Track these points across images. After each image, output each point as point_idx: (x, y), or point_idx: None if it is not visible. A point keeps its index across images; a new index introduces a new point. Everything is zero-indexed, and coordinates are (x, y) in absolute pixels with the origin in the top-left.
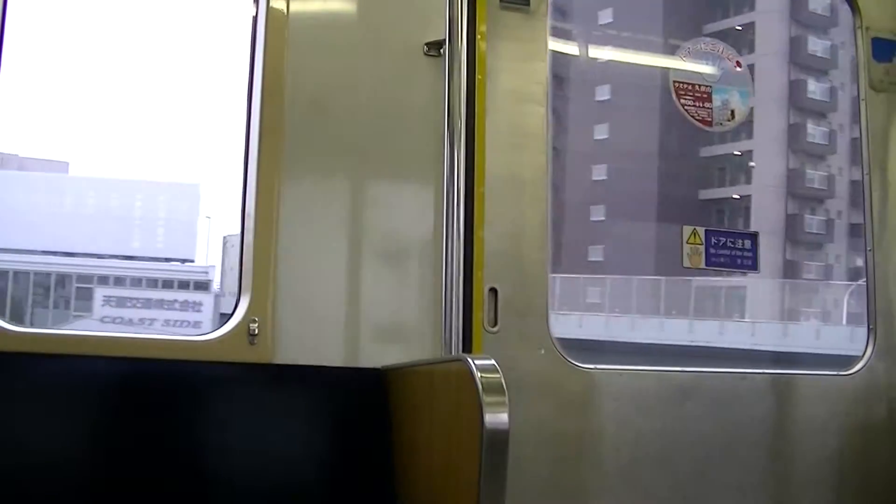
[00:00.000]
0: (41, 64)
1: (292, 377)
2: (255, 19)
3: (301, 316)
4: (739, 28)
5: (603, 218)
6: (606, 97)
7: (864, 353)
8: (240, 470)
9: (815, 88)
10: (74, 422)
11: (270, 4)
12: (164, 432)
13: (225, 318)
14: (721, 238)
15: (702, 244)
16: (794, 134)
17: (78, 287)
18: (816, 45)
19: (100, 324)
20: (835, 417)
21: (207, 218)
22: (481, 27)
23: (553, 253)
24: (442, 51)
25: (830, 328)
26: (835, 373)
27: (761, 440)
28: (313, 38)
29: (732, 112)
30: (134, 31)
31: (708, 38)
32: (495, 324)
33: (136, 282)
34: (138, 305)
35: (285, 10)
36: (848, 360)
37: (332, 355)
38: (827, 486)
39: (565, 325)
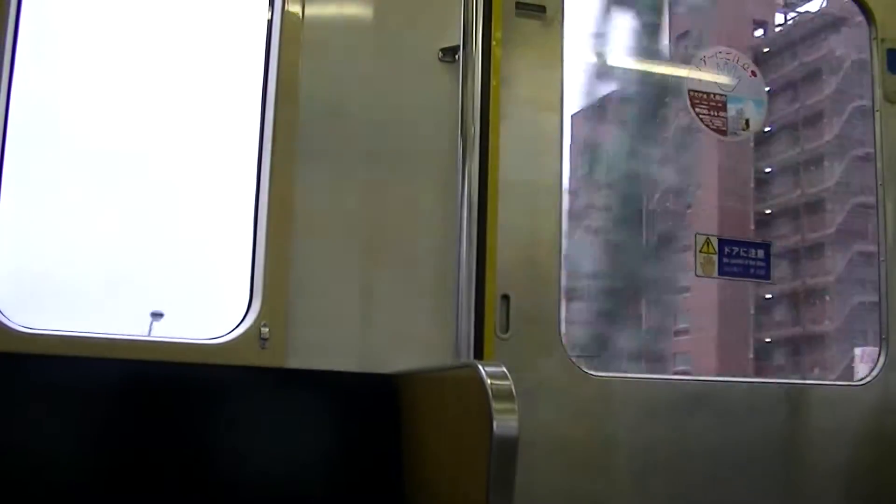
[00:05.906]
0: None
1: (303, 381)
2: (269, 23)
3: (313, 320)
4: None
5: None
6: None
7: (877, 364)
8: (248, 473)
9: None
10: (81, 425)
11: (286, 8)
12: (173, 436)
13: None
14: (734, 248)
15: (715, 253)
16: None
17: None
18: None
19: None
20: (846, 428)
21: None
22: (497, 34)
23: None
24: (457, 57)
25: None
26: (847, 383)
27: (773, 450)
28: (328, 43)
29: None
30: None
31: None
32: (507, 330)
33: None
34: None
35: (300, 15)
36: None
37: (343, 360)
38: (838, 497)
39: None
